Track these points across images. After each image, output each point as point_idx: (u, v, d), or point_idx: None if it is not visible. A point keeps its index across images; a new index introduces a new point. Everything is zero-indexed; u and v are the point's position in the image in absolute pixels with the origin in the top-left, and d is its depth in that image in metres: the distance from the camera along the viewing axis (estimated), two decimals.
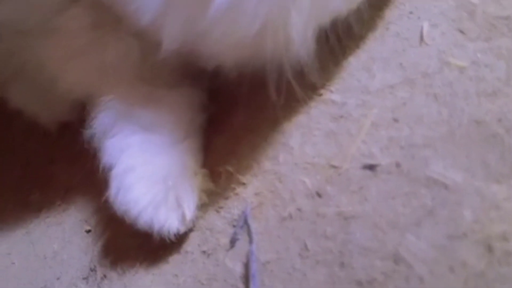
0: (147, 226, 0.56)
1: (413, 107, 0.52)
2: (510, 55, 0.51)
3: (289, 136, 0.56)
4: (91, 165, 0.61)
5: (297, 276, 0.50)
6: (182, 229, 0.57)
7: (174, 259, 0.58)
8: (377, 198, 0.49)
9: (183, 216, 0.57)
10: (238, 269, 0.53)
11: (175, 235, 0.57)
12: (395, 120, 0.52)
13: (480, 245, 0.43)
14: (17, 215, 0.71)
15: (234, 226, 0.55)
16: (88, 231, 0.66)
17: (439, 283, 0.43)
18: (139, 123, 0.60)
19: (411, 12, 0.57)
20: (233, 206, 0.57)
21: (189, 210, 0.57)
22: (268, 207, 0.54)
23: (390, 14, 0.58)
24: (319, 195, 0.52)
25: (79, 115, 0.66)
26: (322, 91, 0.57)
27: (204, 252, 0.56)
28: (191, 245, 0.57)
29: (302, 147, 0.55)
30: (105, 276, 0.61)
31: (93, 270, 0.62)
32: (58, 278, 0.64)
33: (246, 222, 0.55)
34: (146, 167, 0.58)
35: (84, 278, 0.62)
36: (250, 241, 0.53)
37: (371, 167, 0.51)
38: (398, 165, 0.49)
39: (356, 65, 0.57)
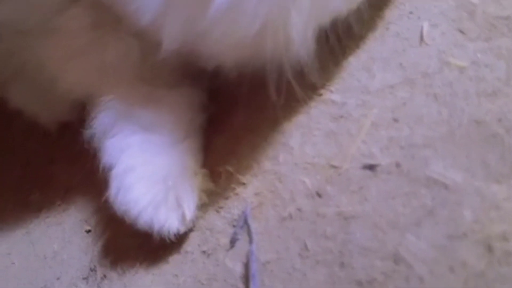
0: (147, 226, 0.56)
1: (413, 107, 0.52)
2: (510, 55, 0.51)
3: (289, 136, 0.56)
4: (91, 165, 0.61)
5: (297, 276, 0.50)
6: (182, 229, 0.57)
7: (174, 259, 0.58)
8: (377, 198, 0.49)
9: (183, 216, 0.57)
10: (238, 269, 0.53)
11: (175, 235, 0.57)
12: (395, 120, 0.52)
13: (480, 245, 0.43)
14: (17, 215, 0.71)
15: (234, 226, 0.55)
16: (88, 231, 0.66)
17: (439, 283, 0.43)
18: (139, 123, 0.60)
19: (411, 12, 0.57)
20: (233, 206, 0.57)
21: (189, 210, 0.57)
22: (268, 207, 0.54)
23: (390, 14, 0.58)
24: (319, 195, 0.52)
25: (79, 115, 0.66)
26: (322, 91, 0.57)
27: (204, 252, 0.56)
28: (191, 245, 0.57)
29: (302, 147, 0.55)
30: (105, 276, 0.61)
31: (93, 270, 0.62)
32: (58, 278, 0.64)
33: (246, 222, 0.55)
34: (146, 167, 0.58)
35: (84, 278, 0.62)
36: (250, 241, 0.53)
37: (371, 167, 0.51)
38: (398, 165, 0.49)
39: (356, 65, 0.57)
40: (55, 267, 0.65)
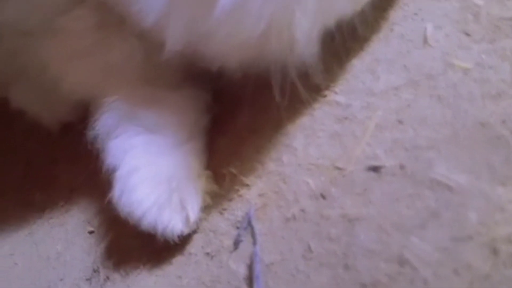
0: (151, 228, 0.56)
1: (417, 109, 0.52)
2: None
3: (293, 137, 0.56)
4: (94, 166, 0.61)
5: (301, 278, 0.50)
6: (186, 231, 0.57)
7: (178, 261, 0.58)
8: (382, 200, 0.49)
9: (186, 218, 0.57)
10: (242, 270, 0.53)
11: (178, 236, 0.57)
12: (400, 122, 0.52)
13: (485, 247, 0.43)
14: (20, 216, 0.71)
15: (237, 228, 0.55)
16: (91, 232, 0.66)
17: (444, 286, 0.43)
18: (143, 124, 0.60)
19: (415, 14, 0.57)
20: (236, 208, 0.57)
21: (193, 212, 0.57)
22: (272, 208, 0.54)
23: (394, 15, 0.58)
24: (323, 196, 0.52)
25: (81, 115, 0.66)
26: (326, 92, 0.57)
27: (207, 254, 0.56)
28: (194, 246, 0.57)
29: (306, 148, 0.55)
30: (108, 277, 0.61)
31: (96, 271, 0.62)
32: (61, 279, 0.64)
33: (249, 223, 0.54)
34: (150, 168, 0.58)
35: (87, 279, 0.62)
36: (254, 242, 0.53)
37: (375, 169, 0.50)
38: (402, 167, 0.49)
39: (360, 66, 0.57)
40: (58, 268, 0.65)
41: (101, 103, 0.61)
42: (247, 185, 0.57)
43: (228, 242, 0.55)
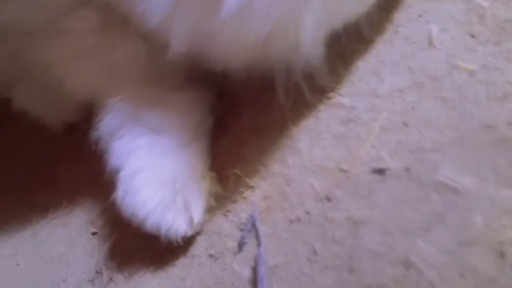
0: (155, 229, 0.56)
1: (422, 111, 0.52)
2: None
3: (298, 139, 0.56)
4: (98, 167, 0.61)
5: (305, 280, 0.49)
6: (190, 233, 0.57)
7: (181, 263, 0.57)
8: (387, 202, 0.48)
9: (190, 220, 0.57)
10: (246, 273, 0.53)
11: (182, 238, 0.56)
12: (404, 124, 0.51)
13: (491, 250, 0.43)
14: (23, 216, 0.71)
15: (242, 229, 0.55)
16: (94, 233, 0.65)
17: None
18: (147, 125, 0.60)
19: (419, 16, 0.57)
20: (241, 210, 0.56)
21: (197, 214, 0.57)
22: (276, 210, 0.54)
23: (399, 17, 0.58)
24: (328, 198, 0.52)
25: (85, 116, 0.66)
26: (331, 94, 0.57)
27: (211, 255, 0.56)
28: (198, 248, 0.57)
29: (311, 150, 0.55)
30: (111, 278, 0.61)
31: (99, 272, 0.62)
32: (64, 280, 0.64)
33: (254, 225, 0.54)
34: (154, 169, 0.58)
35: (90, 281, 0.62)
36: (258, 244, 0.53)
37: (380, 171, 0.50)
38: (407, 169, 0.49)
39: (365, 68, 0.57)
40: (61, 269, 0.65)
41: (105, 103, 0.61)
42: (252, 187, 0.57)
43: (232, 244, 0.55)
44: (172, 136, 0.60)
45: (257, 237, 0.53)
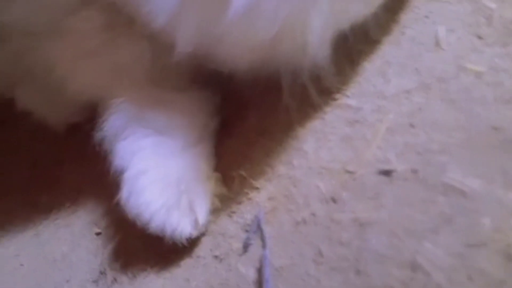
0: (159, 230, 0.56)
1: (429, 112, 0.51)
2: None
3: (304, 140, 0.56)
4: (101, 167, 0.60)
5: (311, 282, 0.49)
6: (194, 234, 0.57)
7: (186, 264, 0.57)
8: (393, 204, 0.48)
9: (195, 221, 0.56)
10: (251, 274, 0.52)
11: (187, 239, 0.56)
12: (411, 126, 0.51)
13: (499, 253, 0.42)
14: (26, 217, 0.71)
15: (247, 231, 0.55)
16: (98, 234, 0.65)
17: None
18: (151, 125, 0.60)
19: (426, 17, 0.57)
20: (246, 211, 0.56)
21: (202, 215, 0.57)
22: (282, 212, 0.54)
23: (406, 18, 0.58)
24: (334, 200, 0.51)
25: (88, 116, 0.66)
26: (337, 95, 0.56)
27: (216, 257, 0.56)
28: (203, 249, 0.57)
29: (317, 151, 0.55)
30: (115, 279, 0.60)
31: (103, 273, 0.62)
32: (67, 281, 0.64)
33: (259, 226, 0.54)
34: (159, 170, 0.58)
35: (94, 281, 0.62)
36: (264, 246, 0.53)
37: (386, 173, 0.50)
38: (414, 171, 0.49)
39: (371, 69, 0.56)
40: (64, 269, 0.65)
41: (109, 104, 0.61)
42: (257, 188, 0.56)
43: (237, 245, 0.55)
44: (177, 137, 0.59)
45: (262, 238, 0.53)
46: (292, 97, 0.53)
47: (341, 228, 0.50)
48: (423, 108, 0.52)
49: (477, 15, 0.55)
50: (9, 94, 0.72)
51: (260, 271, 0.52)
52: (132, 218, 0.57)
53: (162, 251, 0.58)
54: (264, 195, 0.56)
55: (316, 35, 0.49)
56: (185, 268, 0.57)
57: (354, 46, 0.56)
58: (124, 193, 0.58)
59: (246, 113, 0.61)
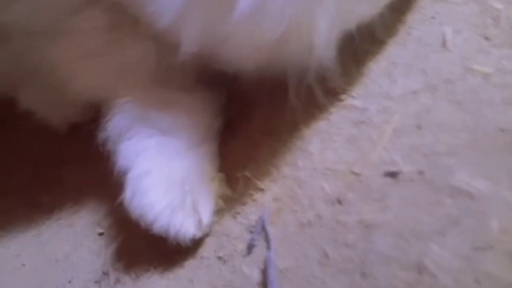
0: (163, 231, 0.56)
1: (436, 113, 0.51)
2: None
3: (309, 141, 0.56)
4: (104, 167, 0.60)
5: (316, 284, 0.49)
6: (198, 234, 0.57)
7: (190, 264, 0.57)
8: (400, 206, 0.48)
9: (199, 221, 0.56)
10: (256, 275, 0.52)
11: (191, 240, 0.56)
12: (418, 127, 0.51)
13: (507, 255, 0.42)
14: (27, 217, 0.71)
15: (251, 232, 0.55)
16: (101, 234, 0.65)
17: None
18: (156, 126, 0.59)
19: (432, 17, 0.57)
20: (250, 212, 0.56)
21: (206, 215, 0.56)
22: (286, 213, 0.54)
23: (412, 18, 0.57)
24: (339, 202, 0.51)
25: (90, 116, 0.66)
26: (343, 96, 0.56)
27: (220, 258, 0.55)
28: (207, 250, 0.57)
29: (322, 152, 0.54)
30: (118, 280, 0.60)
31: (105, 273, 0.62)
32: (69, 281, 0.63)
33: (263, 228, 0.54)
34: (163, 171, 0.58)
35: (96, 282, 0.62)
36: (268, 247, 0.52)
37: (393, 175, 0.50)
38: (420, 172, 0.49)
39: (377, 70, 0.56)
40: (67, 270, 0.64)
41: (113, 104, 0.61)
42: (261, 189, 0.56)
43: (241, 246, 0.55)
44: (181, 137, 0.59)
45: (267, 239, 0.53)
46: (297, 98, 0.53)
47: (347, 229, 0.50)
48: (430, 109, 0.52)
49: (484, 16, 0.54)
50: (11, 93, 0.71)
51: (264, 272, 0.52)
52: (136, 219, 0.57)
53: (166, 251, 0.57)
54: (268, 196, 0.55)
55: (322, 36, 0.49)
56: (188, 269, 0.57)
57: (360, 46, 0.55)
58: (127, 194, 0.57)
59: (251, 113, 0.61)
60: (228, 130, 0.62)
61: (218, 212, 0.58)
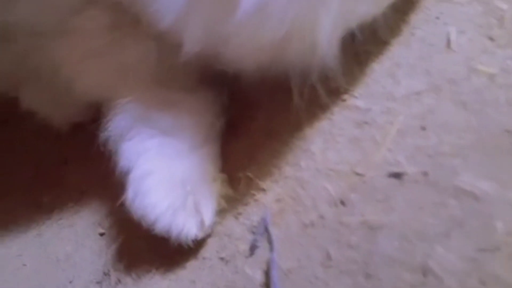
0: (165, 232, 0.56)
1: (440, 114, 0.51)
2: None
3: (311, 141, 0.56)
4: (105, 167, 0.60)
5: (319, 285, 0.49)
6: (200, 235, 0.56)
7: (191, 265, 0.57)
8: (404, 207, 0.48)
9: (201, 222, 0.56)
10: (258, 276, 0.52)
11: (192, 240, 0.56)
12: (422, 128, 0.51)
13: None
14: (29, 216, 0.71)
15: (253, 232, 0.55)
16: (102, 234, 0.65)
17: None
18: (157, 126, 0.59)
19: (437, 18, 0.56)
20: (252, 213, 0.56)
21: (208, 216, 0.56)
22: (289, 214, 0.53)
23: (416, 18, 0.57)
24: (342, 203, 0.51)
25: (92, 116, 0.65)
26: (345, 96, 0.56)
27: (222, 258, 0.55)
28: (209, 251, 0.57)
29: (325, 153, 0.54)
30: (119, 280, 0.60)
31: (107, 274, 0.61)
32: (70, 282, 0.63)
33: (266, 228, 0.54)
34: (164, 172, 0.57)
35: (97, 282, 0.61)
36: (271, 248, 0.52)
37: (397, 176, 0.50)
38: (425, 174, 0.48)
39: (380, 71, 0.56)
40: (68, 270, 0.64)
41: (114, 104, 0.60)
42: (263, 190, 0.56)
43: (244, 247, 0.54)
44: (183, 137, 0.59)
45: (270, 240, 0.53)
46: (300, 98, 0.53)
47: (350, 231, 0.49)
48: (434, 110, 0.51)
49: (488, 16, 0.54)
50: (13, 93, 0.71)
51: (267, 273, 0.51)
52: (137, 219, 0.56)
53: (167, 252, 0.57)
54: (271, 196, 0.55)
55: (325, 35, 0.48)
56: (190, 269, 0.57)
57: (363, 47, 0.55)
58: (129, 194, 0.57)
59: (253, 114, 0.60)
60: (230, 130, 0.61)
61: (220, 212, 0.57)
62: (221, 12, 0.49)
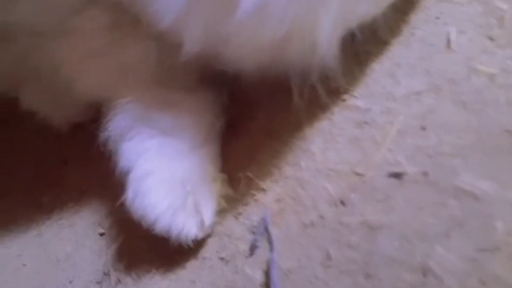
0: (165, 232, 0.56)
1: (440, 114, 0.51)
2: None
3: (311, 141, 0.56)
4: (105, 167, 0.60)
5: (319, 285, 0.49)
6: (200, 235, 0.56)
7: (191, 265, 0.57)
8: (404, 207, 0.48)
9: (201, 222, 0.56)
10: (258, 276, 0.52)
11: (192, 240, 0.56)
12: (422, 128, 0.51)
13: None
14: (29, 216, 0.71)
15: (253, 232, 0.55)
16: (102, 234, 0.65)
17: None
18: (157, 126, 0.59)
19: (437, 17, 0.56)
20: (252, 213, 0.56)
21: (208, 216, 0.56)
22: (289, 214, 0.53)
23: (416, 18, 0.57)
24: (342, 203, 0.51)
25: (92, 116, 0.65)
26: (345, 96, 0.56)
27: (222, 258, 0.55)
28: (209, 251, 0.57)
29: (325, 153, 0.54)
30: (119, 280, 0.60)
31: (106, 274, 0.61)
32: (70, 282, 0.63)
33: (266, 229, 0.53)
34: (164, 172, 0.57)
35: (97, 282, 0.61)
36: (271, 248, 0.52)
37: (397, 176, 0.50)
38: (425, 174, 0.48)
39: (380, 71, 0.56)
40: (68, 270, 0.64)
41: (114, 104, 0.60)
42: (263, 190, 0.56)
43: (244, 247, 0.54)
44: (183, 138, 0.59)
45: (270, 241, 0.53)
46: (300, 98, 0.53)
47: (350, 231, 0.49)
48: (434, 110, 0.51)
49: (488, 16, 0.54)
50: (13, 93, 0.71)
51: (267, 273, 0.51)
52: (137, 219, 0.56)
53: (167, 252, 0.57)
54: (271, 196, 0.55)
55: (325, 35, 0.48)
56: (190, 269, 0.57)
57: (363, 47, 0.55)
58: (129, 194, 0.57)
59: (253, 114, 0.60)
60: (230, 130, 0.61)
61: (220, 212, 0.57)
62: (221, 12, 0.49)
